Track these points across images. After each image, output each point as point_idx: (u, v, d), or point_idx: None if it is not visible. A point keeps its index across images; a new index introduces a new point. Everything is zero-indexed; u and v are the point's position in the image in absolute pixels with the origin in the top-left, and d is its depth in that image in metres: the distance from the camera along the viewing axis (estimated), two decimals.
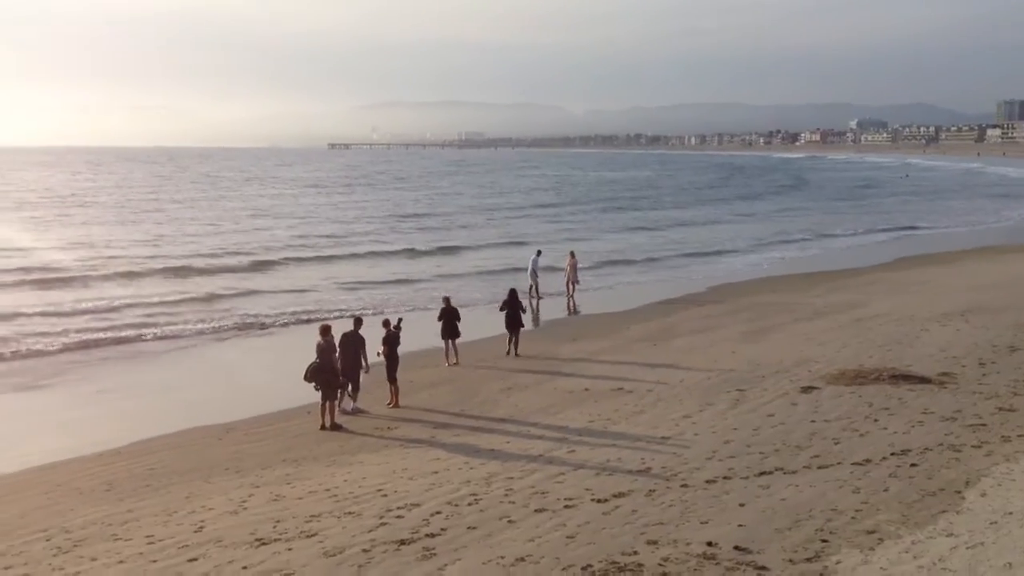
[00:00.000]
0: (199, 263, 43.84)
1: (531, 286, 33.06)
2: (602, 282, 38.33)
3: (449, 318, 22.97)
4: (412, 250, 50.26)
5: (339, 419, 18.06)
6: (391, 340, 19.52)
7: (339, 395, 18.46)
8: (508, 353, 23.78)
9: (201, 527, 12.29)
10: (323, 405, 17.96)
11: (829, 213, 75.83)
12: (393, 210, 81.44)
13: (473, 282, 38.33)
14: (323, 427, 17.76)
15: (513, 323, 23.94)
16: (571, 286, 33.48)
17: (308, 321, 28.93)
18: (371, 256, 48.00)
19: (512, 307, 24.00)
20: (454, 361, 23.02)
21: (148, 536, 12.02)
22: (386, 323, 20.10)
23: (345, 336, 18.77)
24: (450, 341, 23.11)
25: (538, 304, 32.56)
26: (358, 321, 19.34)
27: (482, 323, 27.51)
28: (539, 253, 34.23)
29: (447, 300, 23.44)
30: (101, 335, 27.15)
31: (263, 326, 29.00)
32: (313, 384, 18.09)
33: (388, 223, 68.10)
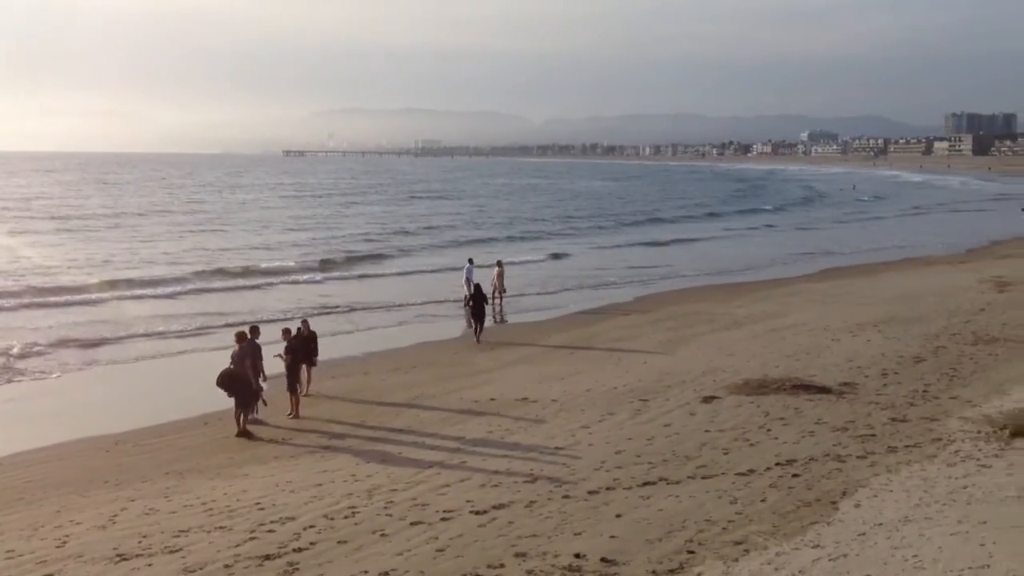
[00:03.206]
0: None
1: (465, 296, 32.89)
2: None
3: (304, 342, 20.24)
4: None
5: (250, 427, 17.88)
6: (292, 349, 19.27)
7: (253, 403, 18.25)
8: (477, 341, 26.81)
9: (65, 542, 11.98)
10: (237, 412, 17.80)
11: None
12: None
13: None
14: (239, 434, 17.63)
15: (476, 314, 27.29)
16: (499, 295, 33.36)
17: None
18: None
19: (476, 301, 27.39)
20: (304, 392, 20.08)
21: (8, 551, 11.70)
22: (286, 332, 19.86)
23: (241, 346, 18.43)
24: (306, 367, 20.30)
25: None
26: (254, 330, 18.96)
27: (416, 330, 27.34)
28: (471, 261, 34.24)
29: (305, 323, 21.01)
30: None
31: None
32: (226, 391, 17.92)
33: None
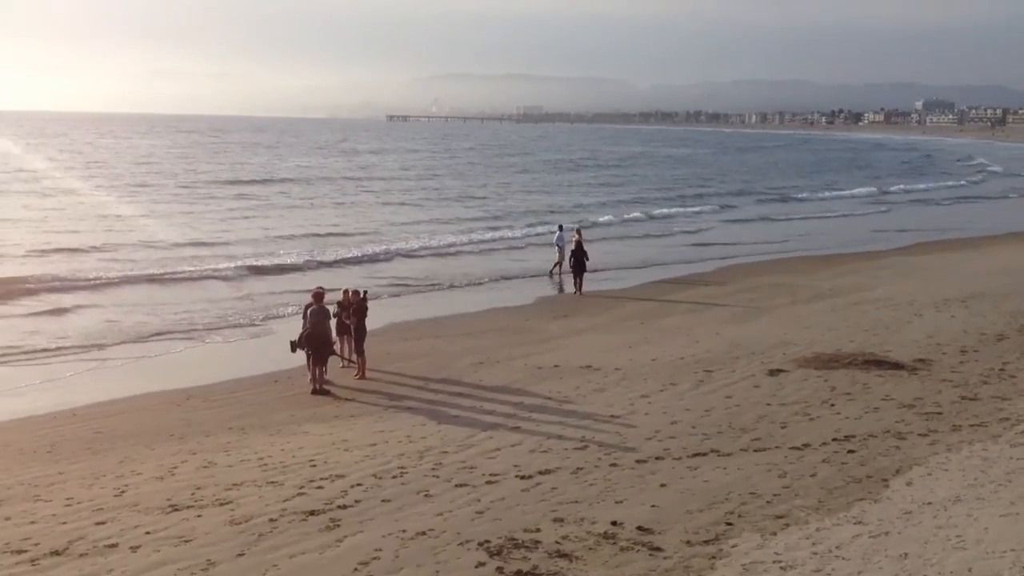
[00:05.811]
0: None
1: (555, 261, 32.99)
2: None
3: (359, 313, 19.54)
4: None
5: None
6: (360, 311, 19.55)
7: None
8: (576, 292, 29.31)
9: (123, 492, 12.43)
10: (315, 369, 18.23)
11: None
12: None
13: None
14: (314, 391, 18.06)
15: (578, 268, 29.51)
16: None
17: None
18: None
19: (577, 257, 29.58)
20: (354, 368, 19.65)
21: (68, 499, 12.18)
22: (355, 293, 20.12)
23: (320, 306, 18.82)
24: (346, 338, 19.86)
25: (560, 275, 32.30)
26: (319, 295, 19.13)
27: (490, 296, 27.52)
28: (561, 228, 34.45)
29: (355, 293, 20.21)
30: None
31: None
32: (306, 350, 18.34)
33: None
